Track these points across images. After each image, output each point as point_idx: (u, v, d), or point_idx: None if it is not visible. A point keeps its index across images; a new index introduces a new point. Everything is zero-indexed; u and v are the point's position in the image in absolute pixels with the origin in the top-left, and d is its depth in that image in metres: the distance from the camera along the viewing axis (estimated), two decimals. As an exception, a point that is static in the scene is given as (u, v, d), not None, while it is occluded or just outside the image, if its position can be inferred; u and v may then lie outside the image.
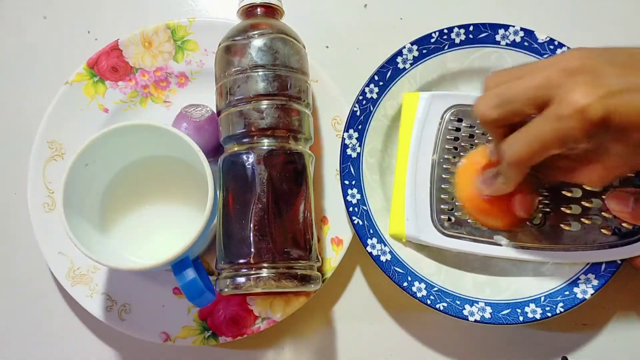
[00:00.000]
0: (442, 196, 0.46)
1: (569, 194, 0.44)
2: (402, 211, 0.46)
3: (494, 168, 0.40)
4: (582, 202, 0.44)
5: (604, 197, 0.43)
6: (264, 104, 0.43)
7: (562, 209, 0.44)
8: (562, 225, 0.44)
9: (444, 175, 0.46)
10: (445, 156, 0.46)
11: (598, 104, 0.31)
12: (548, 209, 0.44)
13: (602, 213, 0.44)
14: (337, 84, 0.49)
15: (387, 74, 0.48)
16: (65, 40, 0.56)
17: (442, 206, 0.46)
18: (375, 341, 0.49)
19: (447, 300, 0.45)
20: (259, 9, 0.46)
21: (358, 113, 0.48)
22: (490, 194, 0.42)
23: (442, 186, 0.46)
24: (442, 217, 0.45)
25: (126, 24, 0.52)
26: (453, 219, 0.45)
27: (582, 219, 0.44)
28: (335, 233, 0.48)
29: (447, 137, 0.46)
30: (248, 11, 0.46)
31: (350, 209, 0.46)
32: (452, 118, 0.46)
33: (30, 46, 0.56)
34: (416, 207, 0.46)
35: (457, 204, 0.45)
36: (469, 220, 0.45)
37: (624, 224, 0.43)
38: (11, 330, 0.50)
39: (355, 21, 0.56)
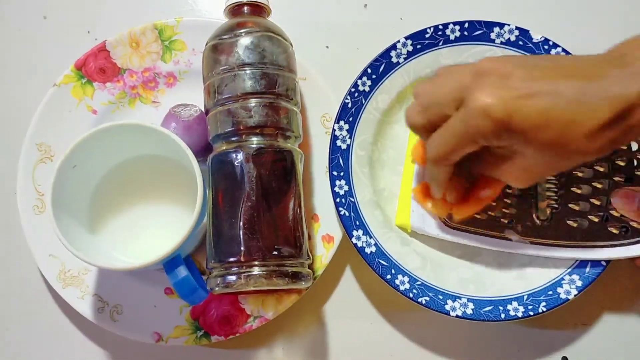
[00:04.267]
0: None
1: (578, 191, 0.44)
2: (409, 202, 0.46)
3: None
4: (591, 200, 0.44)
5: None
6: (252, 102, 0.43)
7: (571, 205, 0.44)
8: (569, 221, 0.44)
9: None
10: None
11: (500, 104, 0.32)
12: (556, 205, 0.45)
13: (610, 211, 0.44)
14: (337, 83, 0.49)
15: (380, 68, 0.48)
16: (65, 41, 0.55)
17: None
18: (367, 338, 0.49)
19: (430, 294, 0.45)
20: (245, 8, 0.46)
21: (349, 105, 0.48)
22: (437, 197, 0.42)
23: None
24: None
25: (126, 24, 0.51)
26: None
27: (590, 216, 0.44)
28: (326, 230, 0.48)
29: None
30: (235, 10, 0.46)
31: (338, 200, 0.46)
32: None
33: (30, 46, 0.56)
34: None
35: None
36: (475, 215, 0.45)
37: (632, 223, 0.43)
38: (3, 334, 0.50)
39: (355, 21, 0.56)
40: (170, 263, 0.41)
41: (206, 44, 0.45)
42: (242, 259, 0.41)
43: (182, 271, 0.41)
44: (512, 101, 0.32)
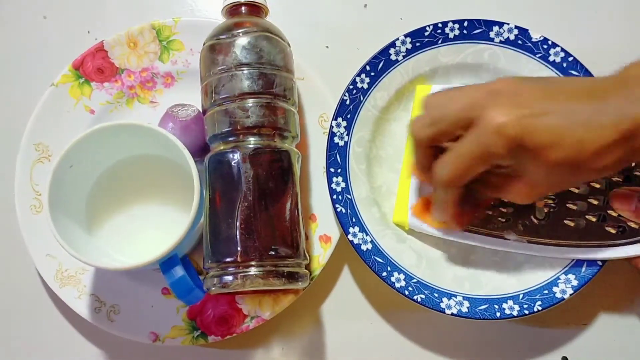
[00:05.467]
0: None
1: (575, 191, 0.44)
2: (407, 200, 0.47)
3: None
4: (589, 199, 0.44)
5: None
6: (249, 102, 0.43)
7: (568, 205, 0.44)
8: (566, 221, 0.44)
9: None
10: None
11: (514, 123, 0.32)
12: (554, 205, 0.45)
13: (608, 211, 0.44)
14: (337, 83, 0.49)
15: (379, 65, 0.48)
16: (65, 41, 0.55)
17: None
18: (364, 338, 0.49)
19: (425, 292, 0.45)
20: (243, 8, 0.46)
21: (348, 102, 0.48)
22: (442, 219, 0.43)
23: None
24: None
25: (127, 24, 0.51)
26: None
27: (587, 216, 0.44)
28: (324, 231, 0.48)
29: None
30: (232, 10, 0.46)
31: (334, 196, 0.46)
32: None
33: (30, 46, 0.56)
34: (420, 196, 0.46)
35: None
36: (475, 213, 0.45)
37: (630, 223, 0.43)
38: (0, 333, 0.50)
39: (355, 21, 0.56)
40: (166, 263, 0.41)
41: (204, 44, 0.45)
42: (238, 259, 0.40)
43: (179, 271, 0.41)
44: (525, 119, 0.32)
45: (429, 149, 0.38)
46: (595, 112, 0.32)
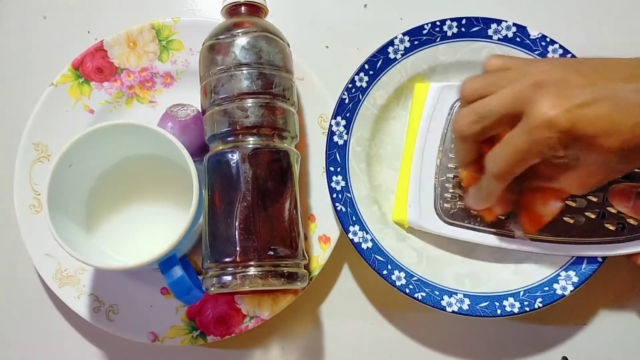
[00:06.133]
0: (447, 185, 0.46)
1: None
2: (406, 198, 0.47)
3: (477, 184, 0.41)
4: (588, 196, 0.44)
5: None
6: (249, 102, 0.43)
7: (568, 202, 0.44)
8: (566, 218, 0.44)
9: (449, 165, 0.46)
10: (453, 146, 0.46)
11: (564, 115, 0.32)
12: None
13: (607, 208, 0.44)
14: (337, 83, 0.49)
15: (378, 64, 0.48)
16: (65, 40, 0.55)
17: (446, 195, 0.46)
18: (364, 338, 0.49)
19: (426, 290, 0.45)
20: (242, 8, 0.46)
21: (347, 101, 0.48)
22: (479, 208, 0.43)
23: (448, 175, 0.46)
24: (446, 205, 0.46)
25: (127, 24, 0.51)
26: (457, 208, 0.45)
27: (587, 213, 0.44)
28: (323, 231, 0.48)
29: None
30: (232, 10, 0.46)
31: (334, 195, 0.46)
32: None
33: (30, 46, 0.56)
34: (420, 194, 0.46)
35: (462, 194, 0.46)
36: (471, 210, 0.45)
37: (629, 219, 0.43)
38: (-1, 333, 0.50)
39: (355, 21, 0.56)
40: (165, 263, 0.41)
41: (203, 44, 0.45)
42: (237, 259, 0.40)
43: (178, 271, 0.41)
44: (575, 110, 0.32)
45: (475, 144, 0.38)
46: None
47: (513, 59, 0.38)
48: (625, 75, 0.33)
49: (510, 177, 0.36)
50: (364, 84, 0.48)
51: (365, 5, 0.56)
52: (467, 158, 0.39)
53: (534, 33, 0.48)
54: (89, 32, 0.56)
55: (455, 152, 0.40)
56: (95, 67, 0.51)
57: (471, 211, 0.45)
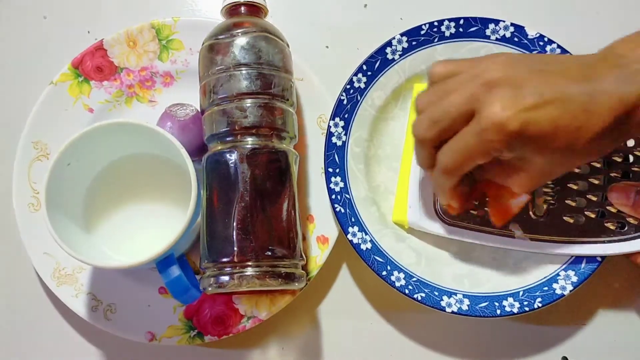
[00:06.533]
0: None
1: (574, 187, 0.45)
2: (406, 199, 0.47)
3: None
4: (587, 195, 0.44)
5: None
6: (247, 102, 0.43)
7: (567, 201, 0.44)
8: (565, 217, 0.44)
9: None
10: None
11: (514, 117, 0.32)
12: (553, 201, 0.45)
13: (607, 207, 0.44)
14: (337, 83, 0.49)
15: (376, 64, 0.48)
16: (65, 40, 0.55)
17: None
18: (361, 339, 0.49)
19: (426, 290, 0.45)
20: (242, 8, 0.46)
21: (345, 102, 0.48)
22: (442, 202, 0.44)
23: None
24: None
25: (127, 24, 0.51)
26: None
27: (586, 212, 0.44)
28: (321, 231, 0.48)
29: None
30: (232, 10, 0.46)
31: (333, 196, 0.46)
32: None
33: (30, 46, 0.56)
34: (420, 195, 0.46)
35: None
36: (471, 211, 0.45)
37: (628, 218, 0.43)
38: (-3, 331, 0.50)
39: (355, 21, 0.56)
40: (163, 262, 0.41)
41: (203, 44, 0.45)
42: (235, 259, 0.40)
43: (175, 270, 0.41)
44: (525, 113, 0.32)
45: (433, 148, 0.38)
46: (592, 95, 0.32)
47: (457, 62, 0.38)
48: (576, 75, 0.33)
49: (458, 174, 0.37)
50: (362, 85, 0.48)
51: (365, 6, 0.56)
52: (428, 161, 0.39)
53: (531, 33, 0.48)
54: (89, 32, 0.56)
55: (415, 155, 0.40)
56: (95, 66, 0.51)
57: (471, 211, 0.45)
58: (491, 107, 0.33)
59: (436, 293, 0.45)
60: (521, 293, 0.45)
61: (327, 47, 0.55)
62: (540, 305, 0.44)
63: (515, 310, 0.44)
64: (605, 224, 0.44)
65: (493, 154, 0.34)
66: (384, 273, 0.45)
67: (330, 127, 0.47)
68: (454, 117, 0.35)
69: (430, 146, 0.38)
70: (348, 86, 0.48)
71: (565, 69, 0.34)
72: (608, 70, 0.33)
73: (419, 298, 0.44)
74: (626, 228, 0.43)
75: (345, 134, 0.48)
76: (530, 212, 0.45)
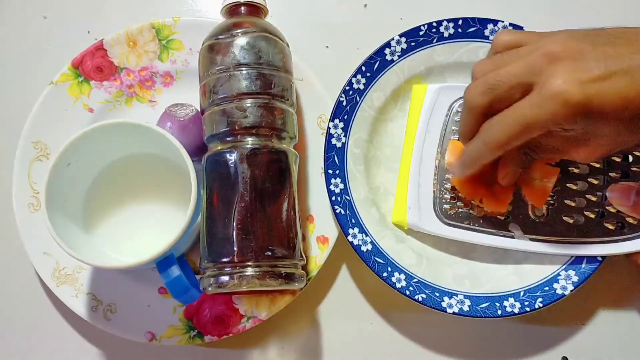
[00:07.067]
0: (446, 186, 0.46)
1: (574, 187, 0.45)
2: (405, 199, 0.47)
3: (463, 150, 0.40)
4: (587, 196, 0.44)
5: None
6: (247, 102, 0.43)
7: (567, 201, 0.45)
8: (565, 217, 0.44)
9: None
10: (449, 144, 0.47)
11: (577, 90, 0.31)
12: (552, 201, 0.45)
13: (606, 207, 0.44)
14: (337, 83, 0.49)
15: (375, 65, 0.48)
16: (65, 40, 0.55)
17: (445, 196, 0.46)
18: (361, 339, 0.49)
19: (426, 291, 0.45)
20: (242, 8, 0.46)
21: (344, 103, 0.48)
22: (463, 175, 0.42)
23: (447, 177, 0.46)
24: (445, 206, 0.46)
25: (127, 24, 0.51)
26: (457, 209, 0.46)
27: (586, 212, 0.44)
28: (321, 231, 0.48)
29: (454, 128, 0.47)
30: (232, 10, 0.46)
31: (333, 198, 0.46)
32: (459, 110, 0.47)
33: (30, 46, 0.56)
34: (419, 196, 0.46)
35: (460, 195, 0.46)
36: (470, 211, 0.45)
37: (628, 219, 0.43)
38: (-3, 331, 0.50)
39: (355, 21, 0.56)
40: (163, 262, 0.41)
41: (203, 44, 0.45)
42: (235, 259, 0.40)
43: (175, 270, 0.41)
44: (590, 85, 0.32)
45: (482, 117, 0.36)
46: None
47: (524, 33, 0.37)
48: (637, 45, 0.32)
49: (505, 148, 0.36)
50: (361, 86, 0.48)
51: (365, 5, 0.56)
52: (470, 131, 0.38)
53: None
54: (89, 32, 0.56)
55: (459, 124, 0.39)
56: (95, 66, 0.51)
57: (471, 212, 0.45)
58: (554, 79, 0.32)
59: (437, 294, 0.45)
60: (522, 293, 0.45)
61: (327, 47, 0.55)
62: (541, 305, 0.44)
63: (516, 310, 0.44)
64: (605, 224, 0.44)
65: (551, 127, 0.33)
66: (385, 274, 0.45)
67: (330, 128, 0.47)
68: (513, 85, 0.34)
69: (479, 113, 0.36)
70: (347, 87, 0.48)
71: (631, 41, 0.33)
72: None
73: (420, 299, 0.44)
74: (626, 228, 0.43)
75: (345, 136, 0.48)
76: (530, 212, 0.45)
